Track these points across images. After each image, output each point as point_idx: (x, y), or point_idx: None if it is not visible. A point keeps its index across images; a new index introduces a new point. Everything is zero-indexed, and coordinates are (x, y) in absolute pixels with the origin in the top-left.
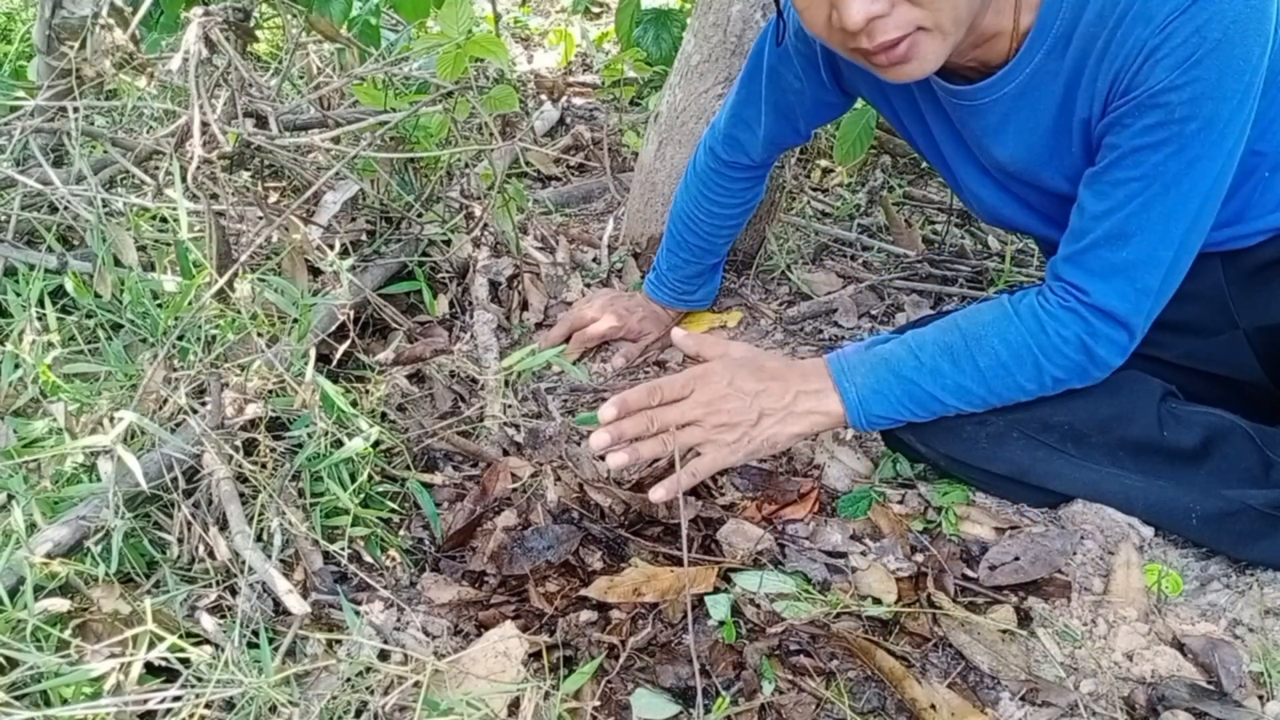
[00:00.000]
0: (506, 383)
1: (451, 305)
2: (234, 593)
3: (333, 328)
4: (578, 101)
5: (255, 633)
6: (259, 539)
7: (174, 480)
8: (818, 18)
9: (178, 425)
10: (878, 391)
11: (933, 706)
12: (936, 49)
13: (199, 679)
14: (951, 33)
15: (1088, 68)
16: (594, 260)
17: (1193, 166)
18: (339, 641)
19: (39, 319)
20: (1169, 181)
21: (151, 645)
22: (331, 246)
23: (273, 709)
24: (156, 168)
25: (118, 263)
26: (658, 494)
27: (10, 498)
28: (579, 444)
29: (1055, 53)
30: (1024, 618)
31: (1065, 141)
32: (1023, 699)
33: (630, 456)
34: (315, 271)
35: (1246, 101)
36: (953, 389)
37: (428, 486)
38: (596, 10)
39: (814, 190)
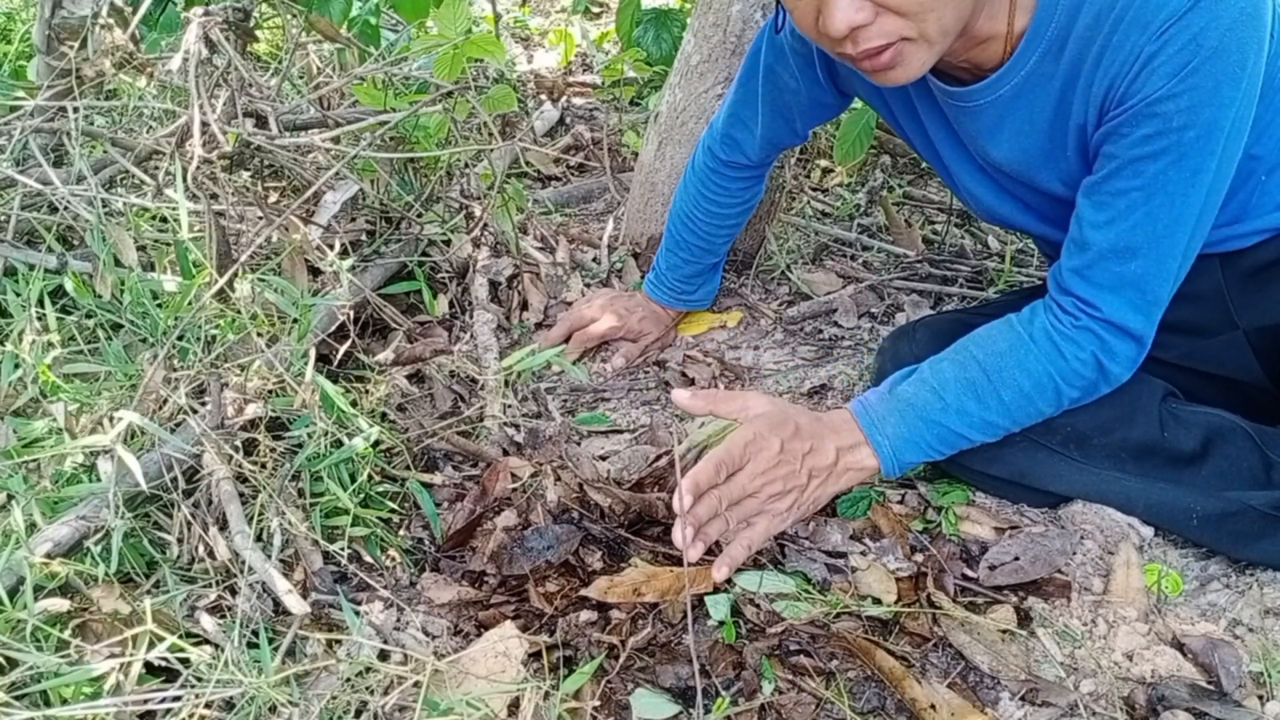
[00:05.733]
0: (506, 383)
1: (451, 305)
2: (234, 593)
3: (333, 328)
4: (578, 101)
5: (255, 633)
6: (259, 539)
7: (174, 480)
8: (805, 19)
9: (178, 425)
10: (910, 440)
11: (933, 706)
12: (922, 57)
13: (199, 679)
14: (937, 41)
15: (1083, 72)
16: (594, 260)
17: (1194, 175)
18: (339, 641)
19: (39, 319)
20: (1172, 192)
21: (151, 645)
22: (331, 246)
23: (273, 709)
24: (156, 168)
25: (118, 263)
26: (720, 573)
27: (10, 498)
28: (579, 444)
29: (1050, 56)
30: (1024, 618)
31: (1060, 145)
32: (1023, 699)
33: (703, 546)
34: (315, 271)
35: (1244, 107)
36: (979, 425)
37: (428, 486)
38: (596, 10)
39: (814, 190)
